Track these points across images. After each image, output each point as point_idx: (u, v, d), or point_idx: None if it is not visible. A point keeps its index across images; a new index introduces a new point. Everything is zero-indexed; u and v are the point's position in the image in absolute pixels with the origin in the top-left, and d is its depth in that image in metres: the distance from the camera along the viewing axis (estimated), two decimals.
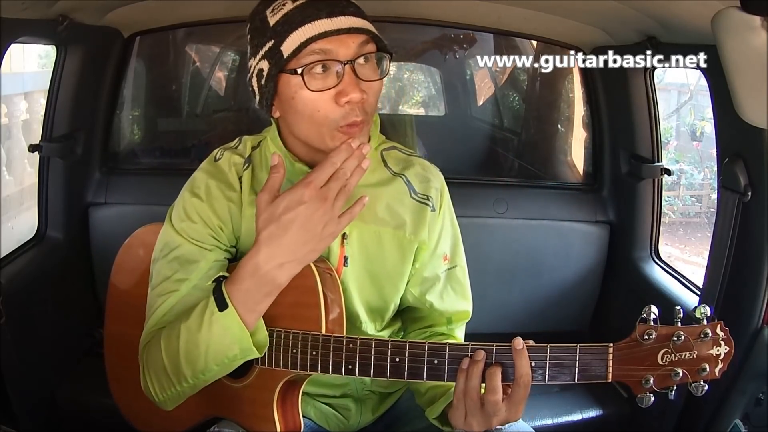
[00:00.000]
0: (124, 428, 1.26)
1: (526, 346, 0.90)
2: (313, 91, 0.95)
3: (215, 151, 1.13)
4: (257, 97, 1.02)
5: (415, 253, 1.11)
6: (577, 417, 1.69)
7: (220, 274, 0.99)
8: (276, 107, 1.02)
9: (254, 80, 1.01)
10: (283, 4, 0.96)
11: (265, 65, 0.97)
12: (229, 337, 0.93)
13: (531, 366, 0.89)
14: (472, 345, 0.92)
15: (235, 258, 1.10)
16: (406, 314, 1.19)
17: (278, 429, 1.01)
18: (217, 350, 0.94)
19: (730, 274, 1.34)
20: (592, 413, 1.70)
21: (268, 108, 1.02)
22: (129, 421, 1.23)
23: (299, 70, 0.94)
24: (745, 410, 1.28)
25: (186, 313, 0.98)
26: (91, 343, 1.81)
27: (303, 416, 1.06)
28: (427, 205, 1.10)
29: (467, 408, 0.92)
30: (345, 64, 0.94)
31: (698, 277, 1.60)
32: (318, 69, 0.95)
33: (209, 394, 1.08)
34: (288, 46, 0.94)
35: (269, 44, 0.96)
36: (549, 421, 1.66)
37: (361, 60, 0.96)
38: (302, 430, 1.05)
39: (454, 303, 1.15)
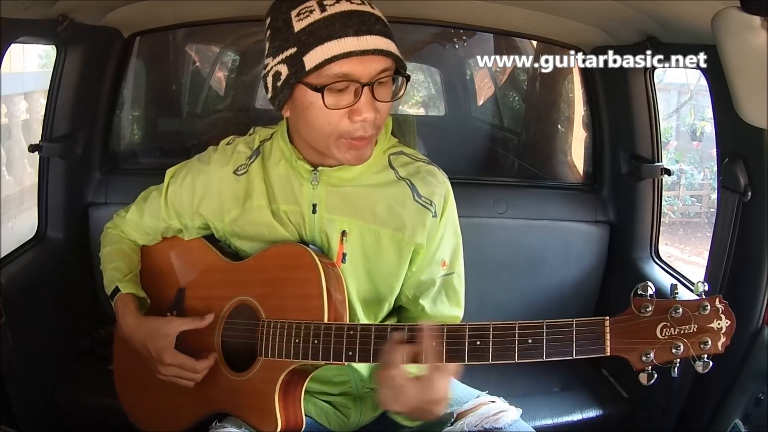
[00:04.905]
0: (124, 428, 1.26)
1: (521, 324, 0.90)
2: (329, 108, 0.96)
3: (232, 137, 1.18)
4: (270, 95, 1.03)
5: (411, 256, 1.12)
6: (577, 417, 1.69)
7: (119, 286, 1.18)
8: (287, 108, 1.03)
9: (270, 79, 1.01)
10: (311, 11, 0.95)
11: (283, 70, 0.97)
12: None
13: (528, 342, 0.89)
14: (469, 325, 0.92)
15: (218, 238, 1.19)
16: (398, 315, 1.20)
17: (279, 420, 1.01)
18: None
19: (730, 274, 1.34)
20: (592, 413, 1.70)
21: (279, 107, 1.03)
22: (133, 420, 1.24)
23: (319, 86, 0.95)
24: (745, 410, 1.28)
25: (122, 245, 1.25)
26: (91, 343, 1.81)
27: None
28: (429, 210, 1.10)
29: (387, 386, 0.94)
30: (364, 86, 0.95)
31: (698, 278, 1.60)
32: (337, 87, 0.95)
33: (211, 387, 1.10)
34: (311, 60, 0.94)
35: (291, 51, 0.96)
36: (549, 421, 1.66)
37: (379, 81, 0.97)
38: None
39: (446, 309, 1.15)
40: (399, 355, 0.93)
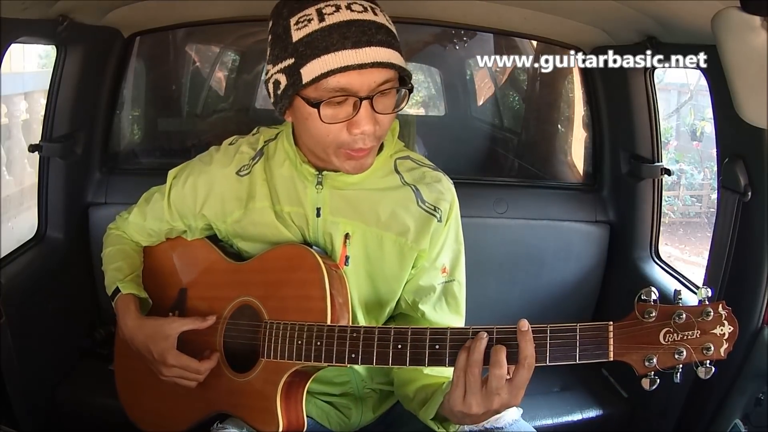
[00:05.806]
0: (124, 428, 1.26)
1: None
2: (326, 122, 0.95)
3: (235, 137, 1.18)
4: (272, 101, 1.02)
5: (414, 261, 1.11)
6: (577, 417, 1.69)
7: (120, 286, 1.18)
8: (289, 114, 1.02)
9: (270, 86, 1.00)
10: (309, 20, 0.92)
11: (282, 80, 0.96)
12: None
13: None
14: (473, 328, 0.91)
15: (220, 239, 1.18)
16: (398, 321, 1.19)
17: (280, 422, 1.01)
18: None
19: (730, 274, 1.34)
20: (592, 413, 1.70)
21: (281, 113, 1.02)
22: (133, 420, 1.24)
23: (315, 101, 0.93)
24: (745, 410, 1.28)
25: (124, 246, 1.25)
26: (91, 343, 1.81)
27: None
28: (434, 215, 1.10)
29: (468, 385, 0.89)
30: (363, 100, 0.93)
31: (698, 277, 1.60)
32: (336, 100, 0.93)
33: (213, 388, 1.10)
34: (308, 72, 0.92)
35: (289, 61, 0.94)
36: (549, 421, 1.66)
37: (380, 93, 0.94)
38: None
39: (447, 317, 1.14)
40: (503, 355, 0.88)
